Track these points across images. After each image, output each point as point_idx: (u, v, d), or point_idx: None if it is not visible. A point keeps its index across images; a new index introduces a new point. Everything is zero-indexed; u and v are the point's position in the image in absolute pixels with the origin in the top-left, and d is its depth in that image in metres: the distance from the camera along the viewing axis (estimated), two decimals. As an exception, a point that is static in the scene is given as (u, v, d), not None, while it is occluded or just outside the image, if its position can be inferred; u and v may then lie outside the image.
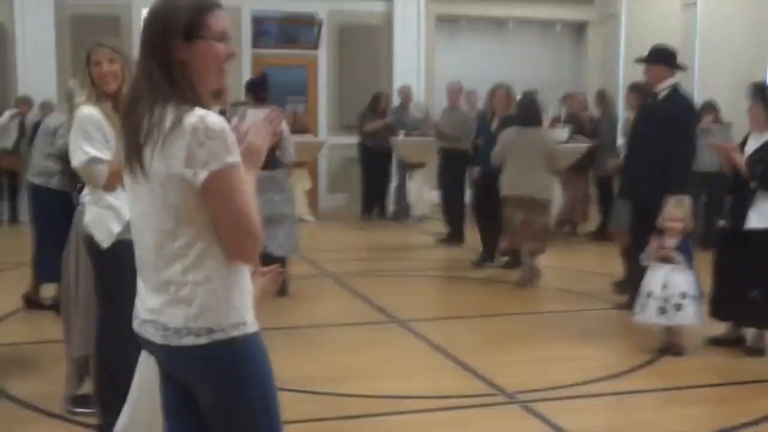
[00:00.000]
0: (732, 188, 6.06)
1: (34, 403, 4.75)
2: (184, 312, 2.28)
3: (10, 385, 5.06)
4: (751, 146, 6.00)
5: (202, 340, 2.27)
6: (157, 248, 2.30)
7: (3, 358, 5.62)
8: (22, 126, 11.41)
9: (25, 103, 11.61)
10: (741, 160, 5.91)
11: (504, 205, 8.02)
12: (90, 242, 4.08)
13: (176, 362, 2.35)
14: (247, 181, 2.35)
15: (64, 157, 6.07)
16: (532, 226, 7.91)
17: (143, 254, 2.37)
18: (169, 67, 2.27)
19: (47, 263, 6.26)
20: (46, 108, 10.44)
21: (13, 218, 11.83)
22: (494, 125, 8.89)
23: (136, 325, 2.41)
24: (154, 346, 2.36)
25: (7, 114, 11.53)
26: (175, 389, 2.44)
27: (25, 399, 4.83)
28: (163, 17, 2.31)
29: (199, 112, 2.22)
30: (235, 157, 2.23)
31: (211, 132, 2.20)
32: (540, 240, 8.02)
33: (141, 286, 2.42)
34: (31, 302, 6.84)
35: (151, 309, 2.34)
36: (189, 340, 2.27)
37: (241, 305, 2.33)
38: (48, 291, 6.69)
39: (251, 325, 2.34)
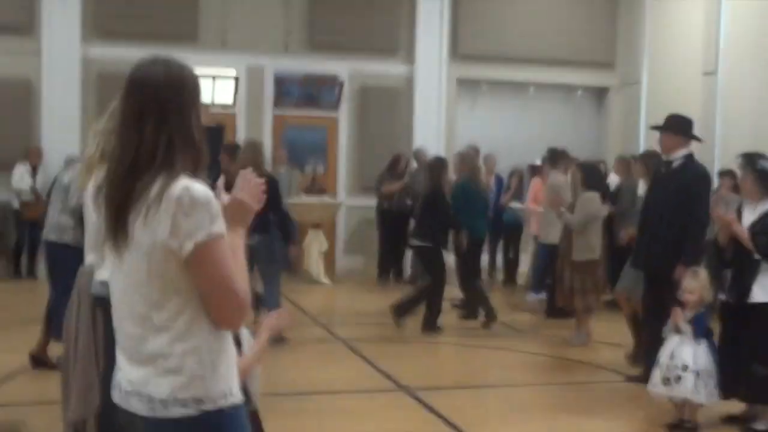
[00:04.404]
0: (732, 260, 5.94)
1: (31, 467, 4.72)
2: (170, 382, 2.25)
3: (9, 448, 5.03)
4: (748, 218, 5.86)
5: (191, 411, 2.24)
6: (142, 320, 2.28)
7: (5, 420, 5.60)
8: (33, 175, 11.78)
9: (36, 153, 11.90)
10: (743, 231, 5.80)
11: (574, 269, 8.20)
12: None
13: None
14: (236, 240, 2.35)
15: (76, 213, 6.13)
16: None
17: (124, 325, 2.34)
18: (188, 134, 2.28)
19: (59, 320, 6.25)
20: (70, 163, 10.57)
21: (31, 273, 11.90)
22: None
23: (117, 398, 2.37)
24: (138, 419, 2.31)
25: (20, 167, 11.79)
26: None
27: (22, 463, 4.79)
28: (184, 83, 2.30)
29: (184, 181, 2.21)
30: (219, 227, 2.22)
31: (196, 203, 2.19)
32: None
33: (121, 358, 2.38)
34: (38, 361, 6.80)
35: (133, 380, 2.31)
36: (177, 412, 2.24)
37: (227, 374, 2.31)
38: (56, 349, 6.67)
39: (237, 395, 2.33)
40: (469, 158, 9.74)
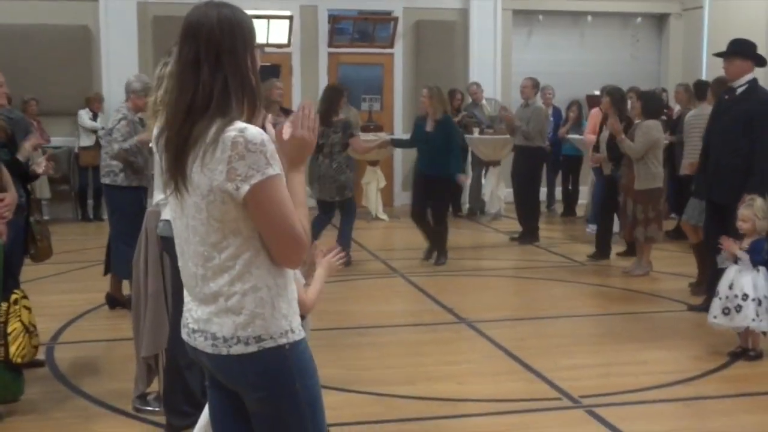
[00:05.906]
0: None
1: (106, 401, 4.91)
2: (232, 321, 2.31)
3: (85, 383, 5.23)
4: None
5: (251, 348, 2.30)
6: (204, 260, 2.33)
7: (80, 356, 5.81)
8: (94, 120, 12.05)
9: (96, 100, 12.14)
10: None
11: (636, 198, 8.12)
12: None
13: (226, 371, 2.38)
14: (297, 177, 2.37)
15: (121, 156, 6.34)
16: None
17: (188, 266, 2.40)
18: (243, 77, 2.29)
19: (118, 260, 6.47)
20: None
21: (97, 216, 12.22)
22: None
23: (185, 334, 2.45)
24: (203, 356, 2.39)
25: (82, 113, 12.04)
26: (223, 395, 2.48)
27: (98, 396, 4.99)
28: (239, 27, 2.30)
29: (239, 125, 2.23)
30: (275, 168, 2.24)
31: (251, 145, 2.21)
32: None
33: (186, 297, 2.46)
34: (114, 301, 6.99)
35: (198, 319, 2.38)
36: (238, 349, 2.31)
37: (288, 312, 2.36)
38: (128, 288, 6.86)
39: (298, 332, 2.37)
40: (441, 94, 9.43)
